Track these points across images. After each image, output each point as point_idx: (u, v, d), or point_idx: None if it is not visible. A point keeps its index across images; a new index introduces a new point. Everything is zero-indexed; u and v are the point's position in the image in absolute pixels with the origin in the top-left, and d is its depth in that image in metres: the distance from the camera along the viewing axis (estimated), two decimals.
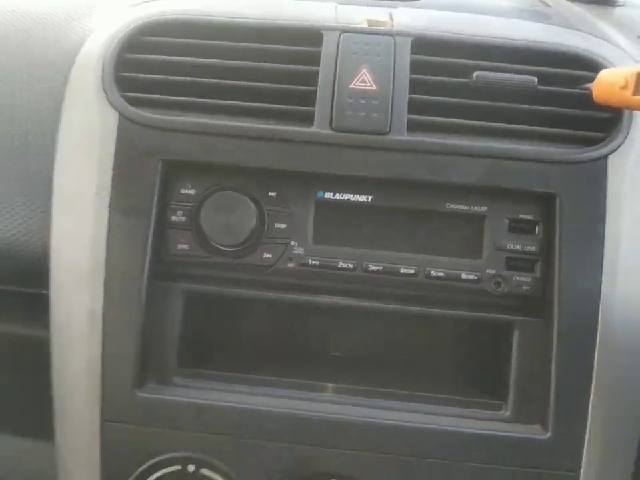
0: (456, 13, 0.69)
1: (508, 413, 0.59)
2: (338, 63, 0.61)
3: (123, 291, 0.58)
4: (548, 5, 0.76)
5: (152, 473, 0.59)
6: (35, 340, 0.66)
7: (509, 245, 0.59)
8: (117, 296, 0.58)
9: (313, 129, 0.60)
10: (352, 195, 0.61)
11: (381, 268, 0.60)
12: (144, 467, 0.59)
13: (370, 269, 0.60)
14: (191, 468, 0.59)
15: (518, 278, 0.59)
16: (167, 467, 0.59)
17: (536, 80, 0.60)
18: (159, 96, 0.61)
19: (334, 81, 0.61)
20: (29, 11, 0.74)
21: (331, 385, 0.62)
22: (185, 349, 0.62)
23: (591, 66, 0.61)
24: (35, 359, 0.65)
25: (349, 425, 0.57)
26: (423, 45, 0.63)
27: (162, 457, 0.59)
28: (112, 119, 0.60)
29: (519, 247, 0.59)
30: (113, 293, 0.58)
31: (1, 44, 0.70)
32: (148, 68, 0.62)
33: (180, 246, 0.60)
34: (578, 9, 0.79)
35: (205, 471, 0.58)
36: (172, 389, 0.60)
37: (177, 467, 0.59)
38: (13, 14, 0.73)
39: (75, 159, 0.61)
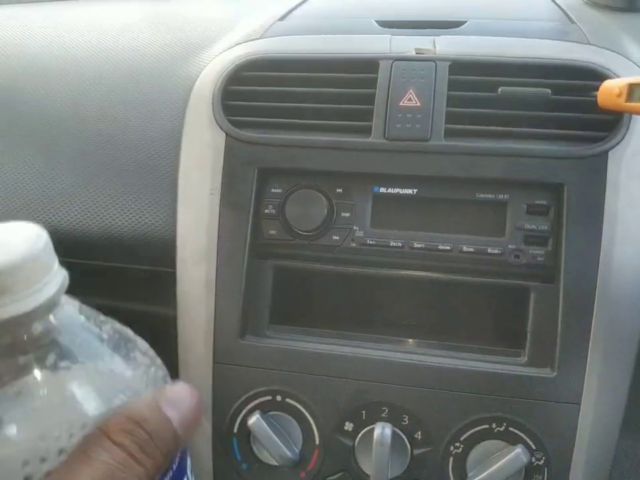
0: (490, 37, 0.83)
1: (525, 359, 0.73)
2: (390, 85, 0.77)
3: (230, 265, 0.77)
4: (573, 22, 0.88)
5: (250, 402, 0.77)
6: (160, 315, 0.86)
7: (526, 225, 0.73)
8: (225, 270, 0.77)
9: (370, 139, 0.76)
10: (401, 189, 0.77)
11: (423, 245, 0.75)
12: (244, 397, 0.77)
13: (415, 247, 0.76)
14: (279, 398, 0.76)
15: (534, 251, 0.73)
16: (261, 397, 0.77)
17: (549, 91, 0.74)
18: (254, 119, 0.79)
19: (387, 100, 0.76)
20: (156, 46, 0.96)
21: (384, 336, 0.78)
22: (275, 310, 0.79)
23: (597, 77, 0.73)
24: (161, 329, 0.85)
25: (397, 365, 0.73)
26: (459, 67, 0.77)
27: (258, 390, 0.77)
28: (220, 138, 0.79)
29: (534, 227, 0.73)
30: (222, 268, 0.77)
31: (135, 75, 0.91)
32: (246, 96, 0.81)
33: (271, 231, 0.78)
34: (603, 19, 0.90)
35: (289, 400, 0.76)
36: (265, 339, 0.78)
37: (269, 397, 0.76)
38: (141, 50, 0.95)
39: (194, 168, 0.80)
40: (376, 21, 0.90)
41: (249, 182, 0.78)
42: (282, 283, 0.81)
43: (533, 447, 0.71)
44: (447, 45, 0.81)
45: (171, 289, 0.82)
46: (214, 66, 0.85)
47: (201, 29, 0.98)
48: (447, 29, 0.86)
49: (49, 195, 0.85)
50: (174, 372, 0.82)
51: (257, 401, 0.77)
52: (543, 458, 0.71)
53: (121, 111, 0.86)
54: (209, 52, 0.90)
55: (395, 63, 0.79)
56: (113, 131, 0.86)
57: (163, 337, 0.83)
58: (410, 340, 0.77)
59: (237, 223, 0.78)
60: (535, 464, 0.71)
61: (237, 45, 0.88)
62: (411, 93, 0.77)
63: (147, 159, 0.83)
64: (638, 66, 0.77)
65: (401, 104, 0.77)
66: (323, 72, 0.80)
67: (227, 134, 0.79)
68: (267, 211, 0.79)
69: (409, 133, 0.75)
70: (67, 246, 0.84)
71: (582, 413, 0.70)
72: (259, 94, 0.81)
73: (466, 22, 0.88)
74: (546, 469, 0.71)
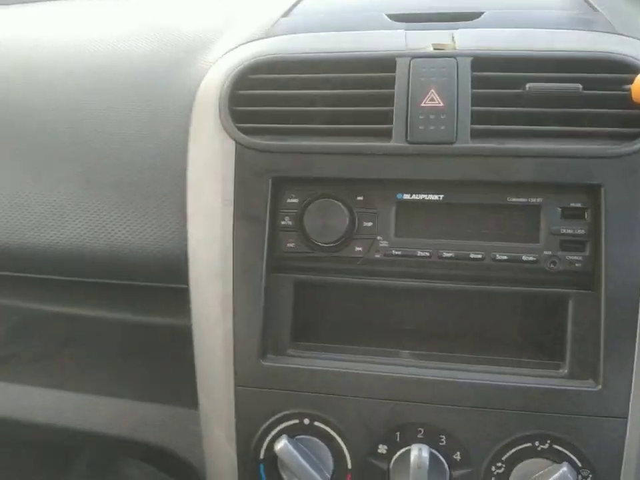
0: (510, 29, 0.78)
1: (565, 371, 0.69)
2: (410, 85, 0.72)
3: (247, 281, 0.73)
4: (595, 9, 0.83)
5: (276, 426, 0.73)
6: (176, 329, 0.82)
7: (562, 229, 0.69)
8: (243, 285, 0.73)
9: (392, 142, 0.71)
10: (426, 195, 0.72)
11: (453, 254, 0.71)
12: (269, 421, 0.73)
13: (444, 256, 0.71)
14: (306, 421, 0.72)
15: (571, 257, 0.69)
16: (287, 420, 0.73)
17: (580, 86, 0.70)
18: (266, 125, 0.74)
19: (407, 101, 0.72)
20: (151, 51, 0.90)
21: (416, 352, 0.74)
22: (295, 327, 0.75)
23: (630, 69, 0.69)
24: (177, 344, 0.82)
25: (432, 384, 0.69)
26: (481, 62, 0.73)
27: (283, 413, 0.73)
28: (230, 146, 0.74)
29: (570, 231, 0.69)
30: (240, 283, 0.73)
31: (130, 83, 0.85)
32: (256, 101, 0.75)
33: (288, 244, 0.74)
34: (626, 6, 0.86)
35: (317, 424, 0.72)
36: (287, 358, 0.74)
37: (295, 421, 0.73)
38: (137, 56, 0.89)
39: (203, 179, 0.75)
40: (387, 15, 0.84)
41: (263, 192, 0.73)
42: (302, 298, 0.76)
43: (579, 465, 0.67)
44: (466, 39, 0.76)
45: (187, 303, 0.77)
46: (218, 69, 0.80)
47: (193, 30, 0.92)
48: (464, 21, 0.81)
49: (51, 213, 0.80)
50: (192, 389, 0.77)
51: (283, 425, 0.73)
52: (590, 476, 0.67)
53: (121, 125, 0.81)
54: (209, 54, 0.85)
55: (413, 60, 0.74)
56: (113, 146, 0.80)
57: (182, 353, 0.79)
58: (443, 354, 0.73)
59: (253, 236, 0.73)
60: None
61: (240, 45, 0.82)
62: (432, 92, 0.72)
63: (151, 172, 0.78)
64: None
65: (422, 104, 0.72)
66: (336, 72, 0.75)
67: (236, 142, 0.74)
68: (283, 222, 0.74)
69: (433, 135, 0.71)
70: (71, 264, 0.79)
71: (630, 426, 0.67)
72: (269, 98, 0.76)
73: (483, 13, 0.83)
74: None
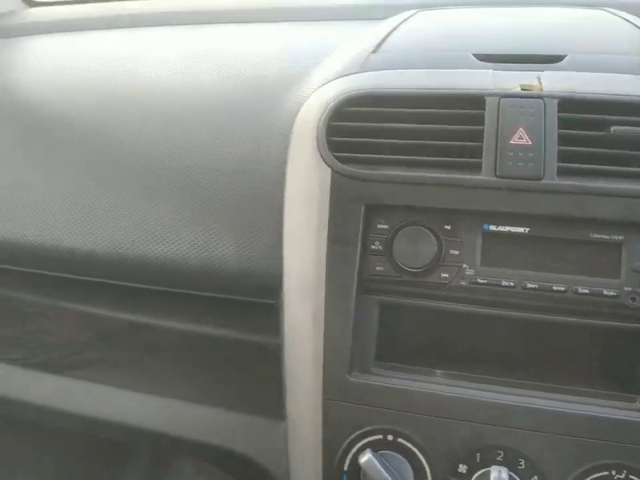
0: (595, 73, 0.82)
1: None
2: (499, 123, 0.76)
3: (338, 301, 0.77)
4: None
5: (360, 440, 0.77)
6: (261, 344, 0.87)
7: None
8: (333, 305, 0.77)
9: (481, 176, 0.75)
10: (512, 227, 0.76)
11: (537, 285, 0.75)
12: (354, 434, 0.77)
13: (528, 287, 0.75)
14: (390, 437, 0.76)
15: None
16: (371, 435, 0.77)
17: None
18: (361, 155, 0.79)
19: (496, 137, 0.76)
20: (255, 75, 0.97)
21: (497, 378, 0.77)
22: (379, 346, 0.80)
23: None
24: (262, 357, 0.87)
25: (513, 409, 0.73)
26: (567, 104, 0.77)
27: (367, 428, 0.77)
28: (326, 174, 0.79)
29: None
30: (330, 303, 0.78)
31: (232, 105, 0.93)
32: (351, 132, 0.81)
33: (377, 268, 0.78)
34: None
35: (400, 440, 0.76)
36: (371, 376, 0.78)
37: (379, 436, 0.77)
38: (235, 89, 0.96)
39: (300, 203, 0.81)
40: (473, 55, 0.89)
41: (356, 218, 0.78)
42: (387, 319, 0.80)
43: None
44: (552, 81, 0.80)
45: (272, 319, 0.82)
46: (316, 100, 0.85)
47: (285, 62, 0.99)
48: (548, 63, 0.86)
49: (149, 230, 0.86)
50: (276, 400, 0.82)
51: (367, 439, 0.77)
52: None
53: (225, 150, 0.87)
54: (305, 85, 0.90)
55: (502, 99, 0.78)
56: (217, 168, 0.87)
57: (266, 365, 0.84)
58: (523, 382, 0.76)
59: (345, 259, 0.78)
60: None
61: (335, 79, 0.88)
62: (520, 130, 0.76)
63: (251, 195, 0.84)
64: None
65: (511, 142, 0.76)
66: (428, 108, 0.80)
67: (332, 169, 0.79)
68: (373, 246, 0.79)
69: (521, 171, 0.75)
70: (170, 276, 0.85)
71: None
72: (363, 129, 0.81)
73: (566, 56, 0.87)
74: None
